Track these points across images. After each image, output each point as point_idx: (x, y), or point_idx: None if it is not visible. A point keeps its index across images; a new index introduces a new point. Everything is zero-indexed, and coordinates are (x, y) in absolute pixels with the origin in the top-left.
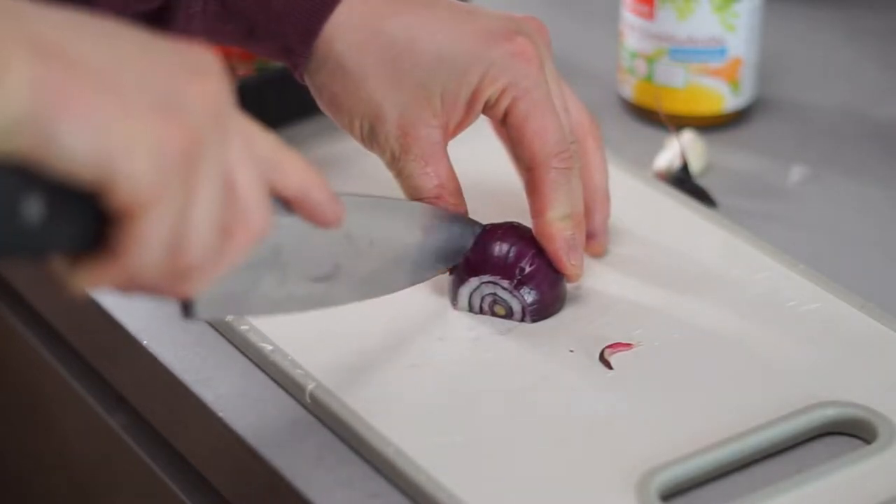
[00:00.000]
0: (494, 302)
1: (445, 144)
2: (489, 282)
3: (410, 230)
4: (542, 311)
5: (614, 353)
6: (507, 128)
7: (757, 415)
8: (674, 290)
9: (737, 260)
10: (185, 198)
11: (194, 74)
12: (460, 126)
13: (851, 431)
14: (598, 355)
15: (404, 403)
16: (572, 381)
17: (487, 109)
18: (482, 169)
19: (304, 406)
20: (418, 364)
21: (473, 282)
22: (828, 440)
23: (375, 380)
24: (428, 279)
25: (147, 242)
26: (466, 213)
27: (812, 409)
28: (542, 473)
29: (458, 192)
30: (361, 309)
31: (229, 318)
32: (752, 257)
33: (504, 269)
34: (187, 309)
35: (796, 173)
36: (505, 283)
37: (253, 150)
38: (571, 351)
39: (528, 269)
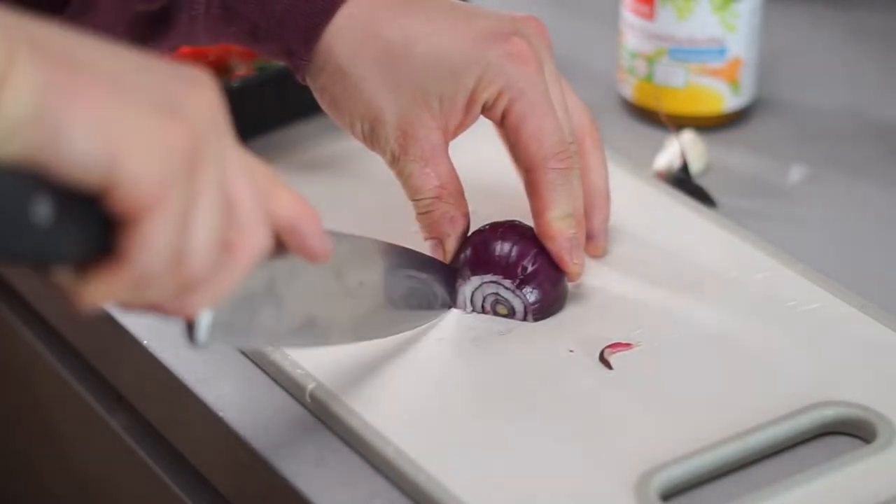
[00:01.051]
0: (496, 301)
1: (446, 145)
2: (491, 281)
3: (398, 275)
4: (544, 310)
5: (614, 353)
6: (505, 129)
7: (757, 415)
8: (674, 290)
9: (737, 260)
10: (188, 202)
11: (192, 84)
12: (460, 127)
13: (851, 431)
14: (598, 355)
15: (404, 403)
16: (572, 381)
17: (485, 111)
18: (483, 169)
19: (304, 406)
20: (418, 364)
21: (475, 280)
22: (828, 440)
23: (375, 380)
24: (416, 328)
25: (151, 247)
26: (468, 213)
27: (812, 409)
28: (541, 473)
29: (458, 192)
30: None
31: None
32: (752, 257)
33: (506, 268)
34: (191, 333)
35: (796, 173)
36: (507, 282)
37: (250, 173)
38: (571, 351)
39: (530, 269)
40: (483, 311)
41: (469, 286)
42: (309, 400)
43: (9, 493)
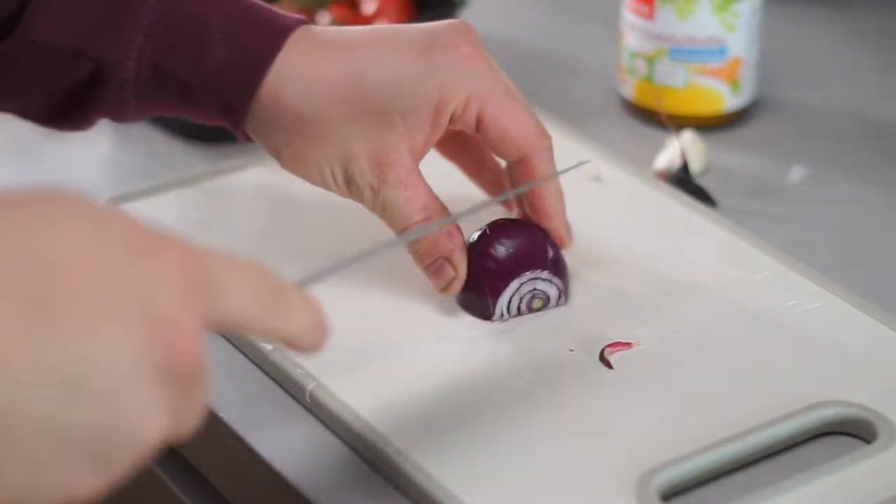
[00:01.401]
0: (533, 296)
1: (417, 166)
2: (530, 279)
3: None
4: (568, 289)
5: (614, 352)
6: (484, 131)
7: (757, 415)
8: (674, 289)
9: (737, 260)
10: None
11: (154, 330)
12: (427, 144)
13: (851, 431)
14: (598, 355)
15: (404, 403)
16: (572, 380)
17: (455, 121)
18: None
19: (304, 406)
20: (418, 364)
21: (514, 284)
22: (828, 440)
23: (375, 380)
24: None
25: None
26: (458, 225)
27: (812, 409)
28: (541, 473)
29: (443, 209)
30: (361, 309)
31: None
32: (752, 257)
33: (538, 260)
34: None
35: (796, 173)
36: (544, 273)
37: (216, 313)
38: (571, 351)
39: (553, 253)
40: (519, 313)
41: (507, 293)
42: (309, 400)
43: None
